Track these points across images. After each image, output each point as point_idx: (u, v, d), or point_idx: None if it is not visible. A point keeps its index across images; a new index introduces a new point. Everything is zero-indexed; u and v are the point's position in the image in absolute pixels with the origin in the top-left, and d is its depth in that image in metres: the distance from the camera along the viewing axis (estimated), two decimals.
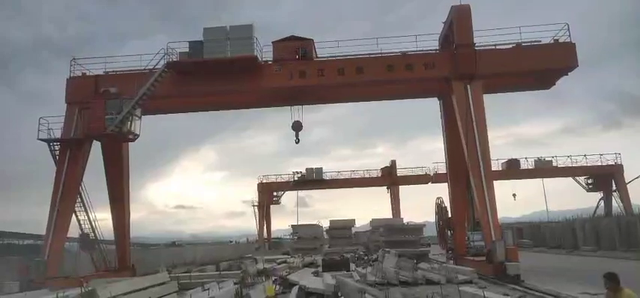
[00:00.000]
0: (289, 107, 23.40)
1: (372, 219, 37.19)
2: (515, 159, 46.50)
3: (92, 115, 19.88)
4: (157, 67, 20.31)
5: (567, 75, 20.83)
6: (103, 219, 22.37)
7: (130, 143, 21.96)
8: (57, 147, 20.31)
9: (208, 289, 13.06)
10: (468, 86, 19.94)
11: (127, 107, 19.57)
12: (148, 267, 23.95)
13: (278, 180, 53.11)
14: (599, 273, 7.32)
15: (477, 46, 20.26)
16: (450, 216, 25.00)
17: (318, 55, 21.83)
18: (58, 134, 20.45)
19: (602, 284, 7.00)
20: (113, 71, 21.65)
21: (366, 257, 28.10)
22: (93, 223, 21.05)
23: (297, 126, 23.18)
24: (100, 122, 19.64)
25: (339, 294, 12.58)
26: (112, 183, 22.39)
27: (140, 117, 20.56)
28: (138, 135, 20.69)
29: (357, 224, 43.66)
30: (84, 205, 20.78)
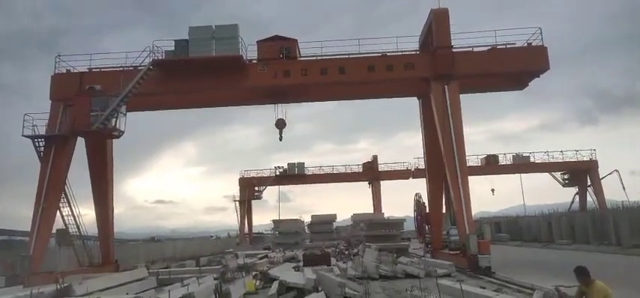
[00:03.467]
0: (273, 105, 24.66)
1: (354, 214, 38.78)
2: (494, 155, 48.69)
3: (77, 112, 20.63)
4: (142, 64, 21.26)
5: (539, 77, 22.62)
6: (85, 214, 23.22)
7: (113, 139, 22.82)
8: (42, 144, 21.04)
9: (187, 284, 12.89)
10: (446, 86, 21.51)
11: (113, 104, 20.36)
12: (126, 263, 24.59)
13: (259, 175, 54.03)
14: (573, 266, 7.68)
15: (455, 48, 21.85)
16: (428, 211, 26.66)
17: (302, 55, 23.13)
18: (42, 130, 21.16)
19: (575, 276, 7.44)
20: (98, 68, 22.42)
21: (346, 252, 29.40)
22: (77, 219, 21.88)
23: (280, 124, 24.44)
24: (86, 119, 20.40)
25: (320, 289, 12.82)
26: (96, 179, 23.20)
27: (125, 114, 21.42)
28: (123, 132, 21.54)
29: (339, 219, 45.37)
30: (68, 201, 21.57)
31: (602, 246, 28.54)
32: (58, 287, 12.94)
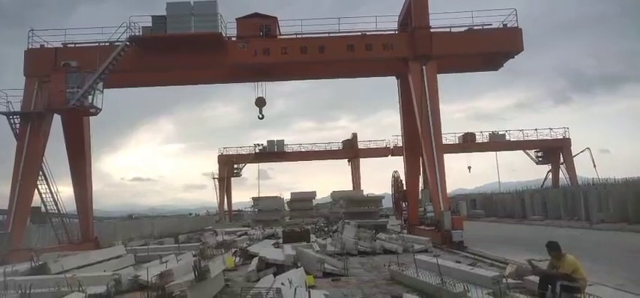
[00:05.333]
0: (253, 82, 25.19)
1: (333, 191, 39.70)
2: (472, 133, 50.24)
3: (53, 89, 20.72)
4: (119, 40, 21.45)
5: (513, 58, 23.72)
6: (63, 191, 23.50)
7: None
8: (17, 121, 21.17)
9: (166, 261, 12.85)
10: (424, 66, 22.35)
11: (89, 81, 20.56)
12: (103, 241, 24.63)
13: (239, 153, 54.44)
14: (545, 241, 8.07)
15: (433, 29, 22.68)
16: (405, 188, 27.79)
17: (282, 33, 23.63)
18: (17, 107, 21.25)
19: (546, 250, 7.85)
20: (73, 44, 22.48)
21: (326, 229, 30.33)
22: (55, 196, 22.18)
23: (260, 103, 25.01)
24: (62, 96, 20.56)
25: (299, 264, 12.83)
26: (74, 157, 23.43)
27: (102, 91, 21.67)
28: (100, 109, 21.80)
29: (318, 196, 46.37)
30: (46, 178, 21.84)
31: (573, 222, 30.13)
32: (33, 265, 13.04)
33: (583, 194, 31.62)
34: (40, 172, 21.66)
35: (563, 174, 48.25)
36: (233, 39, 23.03)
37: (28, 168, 20.97)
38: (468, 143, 49.30)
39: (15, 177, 20.78)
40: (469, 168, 53.12)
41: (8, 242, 19.25)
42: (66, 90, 20.63)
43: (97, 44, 22.18)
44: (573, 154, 48.22)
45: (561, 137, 48.88)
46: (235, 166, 54.47)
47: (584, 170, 49.03)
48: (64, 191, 23.59)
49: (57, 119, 22.55)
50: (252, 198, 42.75)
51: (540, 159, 50.53)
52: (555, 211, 34.57)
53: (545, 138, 49.05)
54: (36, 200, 21.97)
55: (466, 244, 19.20)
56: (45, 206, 22.14)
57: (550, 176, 49.92)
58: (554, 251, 7.75)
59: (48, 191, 21.93)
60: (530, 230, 27.49)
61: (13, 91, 21.55)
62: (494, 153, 52.58)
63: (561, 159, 48.46)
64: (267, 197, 42.50)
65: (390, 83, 27.65)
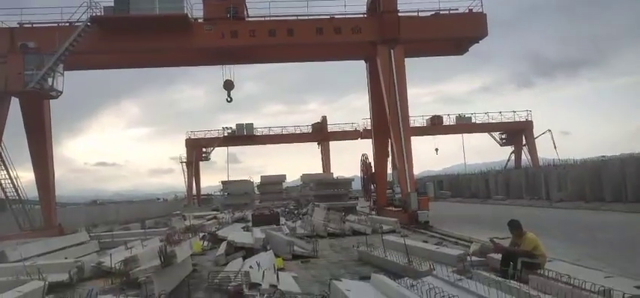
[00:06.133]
0: (220, 65, 24.69)
1: (303, 174, 39.76)
2: (439, 116, 51.06)
3: (10, 71, 19.86)
4: (80, 20, 20.58)
5: (478, 42, 24.13)
6: (23, 177, 22.59)
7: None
8: None
9: (131, 247, 12.47)
10: (392, 50, 22.50)
11: (49, 63, 19.77)
12: (66, 228, 23.52)
13: (207, 136, 53.63)
14: (506, 219, 8.42)
15: (401, 13, 22.77)
16: (373, 171, 28.09)
17: (250, 15, 23.19)
18: None
19: (508, 229, 8.10)
20: (30, 23, 21.43)
21: (296, 212, 30.41)
22: (15, 182, 21.34)
23: (228, 85, 24.59)
24: (19, 78, 19.75)
25: (268, 247, 12.73)
26: (34, 141, 22.55)
27: (62, 74, 20.85)
28: (61, 92, 21.04)
29: (288, 179, 46.29)
30: (4, 164, 20.96)
31: (534, 201, 31.33)
32: None
33: (544, 174, 32.81)
34: None
35: (525, 156, 49.72)
36: (200, 20, 22.47)
37: None
38: (435, 126, 50.10)
39: None
40: (436, 150, 54.15)
41: None
42: (24, 73, 19.77)
43: (56, 24, 21.24)
44: (535, 136, 49.70)
45: (524, 120, 50.25)
46: (204, 150, 53.60)
47: (546, 151, 50.75)
48: (25, 176, 22.68)
49: (15, 102, 21.54)
50: (222, 182, 42.29)
51: (504, 141, 51.87)
52: (517, 191, 35.76)
53: (509, 120, 50.34)
54: None
55: (432, 224, 19.63)
56: (4, 192, 21.27)
57: (513, 157, 51.41)
58: (516, 230, 7.99)
59: (7, 177, 21.10)
60: (494, 210, 28.29)
61: None
62: (461, 135, 53.68)
63: (524, 140, 49.87)
64: (236, 180, 42.09)
65: (360, 66, 27.76)
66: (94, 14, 20.62)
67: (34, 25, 21.46)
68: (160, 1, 21.15)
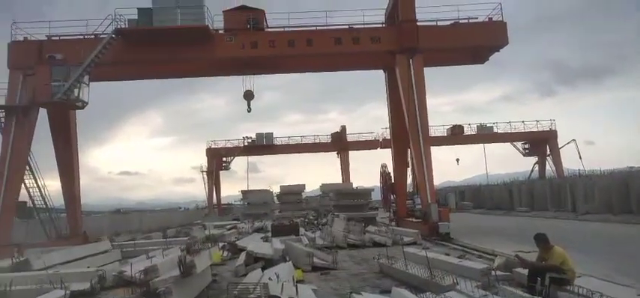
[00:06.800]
0: (241, 76, 24.87)
1: (322, 184, 39.54)
2: (460, 125, 50.38)
3: (38, 82, 20.32)
4: (105, 33, 21.01)
5: (498, 51, 23.71)
6: (50, 185, 23.06)
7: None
8: (2, 115, 20.71)
9: (152, 257, 12.63)
10: (411, 60, 22.26)
11: (75, 74, 20.18)
12: (90, 236, 23.99)
13: (228, 146, 53.99)
14: (531, 232, 8.06)
15: (420, 22, 22.56)
16: (393, 181, 27.76)
17: (269, 26, 23.33)
18: (1, 100, 20.80)
19: (534, 242, 7.79)
20: (57, 36, 21.98)
21: (315, 222, 30.22)
22: (42, 191, 21.79)
23: (248, 96, 24.72)
24: (47, 89, 20.17)
25: (288, 258, 12.66)
26: (61, 151, 23.02)
27: (88, 85, 21.25)
28: (86, 103, 21.42)
29: (308, 189, 46.10)
30: (32, 173, 21.42)
31: (559, 213, 30.39)
32: (14, 261, 12.69)
33: (569, 185, 31.91)
34: (27, 166, 21.23)
35: (549, 166, 48.61)
36: (220, 32, 22.69)
37: (15, 163, 20.56)
38: (456, 135, 49.43)
39: (0, 171, 20.31)
40: (457, 160, 53.37)
41: None
42: (51, 84, 20.19)
43: (82, 37, 21.71)
44: (559, 146, 48.54)
45: (548, 129, 49.17)
46: (224, 159, 54.01)
47: (571, 162, 49.55)
48: (52, 185, 23.16)
49: (43, 112, 22.07)
50: (242, 191, 42.42)
51: (527, 151, 50.83)
52: (542, 202, 34.84)
53: (532, 130, 49.33)
54: (22, 195, 21.59)
55: (454, 236, 19.17)
56: (32, 201, 21.78)
57: (537, 168, 50.26)
58: (543, 243, 7.70)
59: (35, 185, 21.56)
60: (518, 222, 27.62)
61: None
62: (482, 145, 52.89)
63: (548, 150, 48.76)
64: (256, 190, 42.19)
65: (379, 75, 27.59)
66: (118, 26, 20.99)
67: (61, 38, 21.96)
68: (182, 13, 21.45)
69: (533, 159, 50.90)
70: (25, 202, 22.58)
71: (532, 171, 50.62)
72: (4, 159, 20.36)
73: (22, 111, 20.83)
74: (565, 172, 45.18)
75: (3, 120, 20.75)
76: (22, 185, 21.11)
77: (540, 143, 49.65)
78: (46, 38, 21.86)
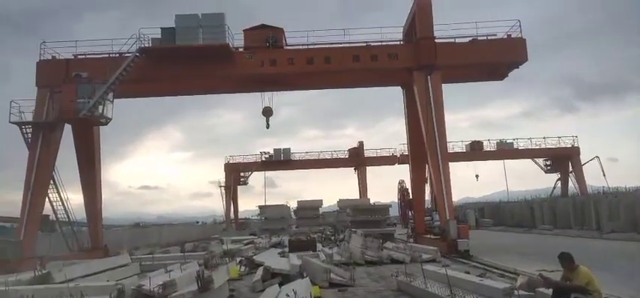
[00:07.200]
0: (260, 92, 25.13)
1: (340, 200, 39.43)
2: (479, 141, 49.74)
3: (64, 99, 20.85)
4: (129, 51, 21.54)
5: (518, 68, 23.43)
6: (73, 198, 23.50)
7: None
8: (29, 131, 21.29)
9: (170, 271, 12.53)
10: (428, 76, 22.18)
11: (100, 92, 20.70)
12: (110, 249, 24.36)
13: (245, 161, 54.35)
14: (554, 251, 7.83)
15: (437, 39, 22.50)
16: (411, 197, 27.47)
17: (288, 43, 23.59)
18: (28, 117, 21.38)
19: (558, 261, 7.49)
20: (83, 54, 22.60)
21: (332, 238, 30.04)
22: (65, 204, 22.22)
23: (267, 112, 24.94)
24: (73, 106, 20.68)
25: (305, 274, 12.70)
26: (84, 166, 23.46)
27: (112, 102, 21.75)
28: (110, 119, 21.88)
29: (325, 204, 46.00)
30: (56, 187, 21.89)
31: (583, 231, 29.53)
32: (36, 273, 12.71)
33: (593, 203, 31.03)
34: (51, 180, 21.71)
35: (572, 183, 47.53)
36: (240, 50, 23.04)
37: (40, 177, 21.05)
38: (475, 151, 48.80)
39: (26, 185, 20.85)
40: (477, 176, 52.56)
41: (21, 250, 19.23)
42: (77, 101, 20.72)
43: (107, 55, 22.27)
44: (582, 163, 47.48)
45: (570, 146, 48.22)
46: (242, 174, 54.34)
47: (594, 179, 48.29)
48: (73, 198, 23.59)
49: (68, 128, 22.63)
50: (259, 207, 42.57)
51: (549, 167, 49.87)
52: (565, 220, 33.93)
53: (554, 146, 48.40)
54: (45, 208, 22.01)
55: (474, 253, 18.83)
56: (55, 214, 22.21)
57: (559, 184, 49.19)
58: (567, 263, 7.39)
59: (58, 199, 22.01)
60: (540, 240, 26.97)
61: (25, 99, 21.72)
62: (502, 161, 52.03)
63: (570, 167, 47.76)
64: (273, 205, 42.30)
65: (396, 91, 27.52)
66: (142, 45, 21.51)
67: (87, 56, 22.56)
68: (204, 32, 21.91)
69: (555, 176, 49.86)
70: (48, 215, 23.04)
71: (554, 187, 49.56)
72: (30, 174, 20.86)
73: (48, 128, 21.38)
74: (588, 189, 44.03)
75: (30, 135, 21.30)
76: (46, 198, 21.54)
77: (562, 160, 48.70)
78: (72, 57, 22.50)
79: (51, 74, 21.86)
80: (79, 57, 22.57)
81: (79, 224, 23.94)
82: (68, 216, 22.40)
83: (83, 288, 9.20)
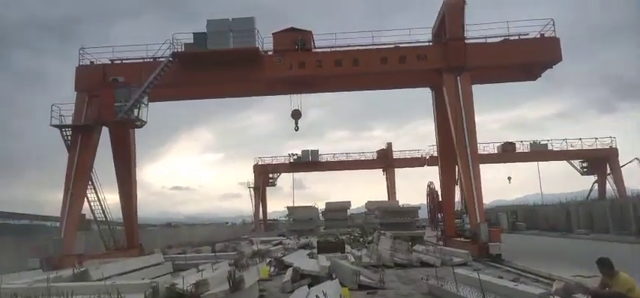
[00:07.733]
0: (288, 95, 25.33)
1: (368, 201, 39.29)
2: (511, 143, 48.47)
3: (102, 103, 21.61)
4: (162, 56, 22.14)
5: (551, 68, 22.74)
6: (109, 198, 24.29)
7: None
8: (69, 133, 22.14)
9: (202, 270, 12.82)
10: (458, 78, 21.82)
11: (136, 95, 21.33)
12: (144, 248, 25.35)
13: (274, 162, 54.75)
14: (592, 256, 7.63)
15: (467, 40, 22.08)
16: (440, 199, 27.06)
17: (316, 46, 23.67)
18: (68, 120, 22.21)
19: (596, 267, 7.34)
20: (119, 60, 23.35)
21: (361, 240, 29.92)
22: (103, 204, 23.04)
23: (296, 115, 25.10)
24: (110, 109, 21.42)
25: (334, 276, 12.69)
26: (120, 167, 24.31)
27: (147, 105, 22.38)
28: (145, 122, 22.52)
29: (353, 206, 45.87)
30: (94, 187, 22.72)
31: (622, 235, 28.41)
32: (74, 271, 13.20)
33: (633, 206, 29.78)
34: (89, 181, 22.50)
35: (610, 185, 45.71)
36: (269, 53, 23.26)
37: (79, 178, 21.79)
38: (507, 153, 47.60)
39: (66, 186, 21.61)
40: (509, 178, 51.33)
41: (62, 247, 19.99)
42: (114, 104, 21.44)
43: (142, 60, 22.93)
44: (621, 164, 45.63)
45: (608, 147, 46.40)
46: (270, 175, 54.77)
47: (633, 182, 46.34)
48: (109, 198, 24.39)
49: (105, 131, 23.41)
50: (287, 208, 42.78)
51: (585, 169, 48.12)
52: (603, 224, 32.62)
53: (591, 148, 46.69)
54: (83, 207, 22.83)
55: (507, 257, 18.38)
56: (93, 213, 23.02)
57: (596, 187, 47.40)
58: (607, 269, 7.21)
59: (96, 199, 22.82)
60: (576, 244, 26.17)
61: (63, 104, 22.47)
62: (536, 163, 50.55)
63: (608, 169, 45.95)
64: (301, 206, 42.39)
65: (425, 92, 27.17)
66: (175, 50, 22.04)
67: (123, 62, 23.27)
68: (234, 37, 22.27)
69: (591, 179, 48.08)
70: (84, 214, 23.86)
71: (591, 190, 47.79)
72: (69, 175, 21.64)
73: (87, 130, 22.18)
74: (627, 192, 42.24)
75: (70, 138, 22.13)
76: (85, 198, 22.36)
77: (600, 161, 46.88)
78: (109, 62, 23.26)
79: (89, 79, 22.63)
80: (115, 62, 23.31)
81: (114, 223, 24.73)
82: (105, 216, 23.20)
83: (119, 286, 9.49)
